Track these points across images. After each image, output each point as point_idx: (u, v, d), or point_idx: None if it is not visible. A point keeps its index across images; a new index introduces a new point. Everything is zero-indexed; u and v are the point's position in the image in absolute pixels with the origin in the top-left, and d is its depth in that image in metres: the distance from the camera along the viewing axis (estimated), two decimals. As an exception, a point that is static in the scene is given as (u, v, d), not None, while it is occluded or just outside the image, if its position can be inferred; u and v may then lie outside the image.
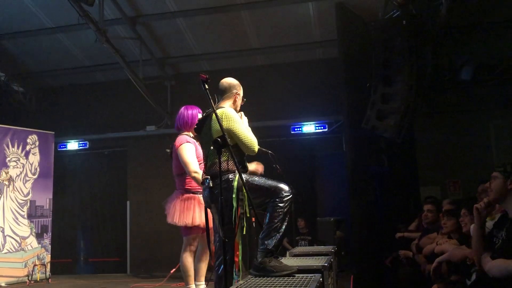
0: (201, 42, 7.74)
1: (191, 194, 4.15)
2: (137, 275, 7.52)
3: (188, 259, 4.08)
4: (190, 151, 4.04)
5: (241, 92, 3.31)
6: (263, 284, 2.58)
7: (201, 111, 4.29)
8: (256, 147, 3.05)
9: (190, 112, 4.27)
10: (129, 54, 7.49)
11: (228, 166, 2.99)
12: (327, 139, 7.83)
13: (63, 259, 8.36)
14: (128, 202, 8.39)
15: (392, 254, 5.19)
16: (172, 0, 6.74)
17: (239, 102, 3.30)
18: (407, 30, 5.53)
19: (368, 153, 6.41)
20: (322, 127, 7.82)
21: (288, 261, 3.63)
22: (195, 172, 3.90)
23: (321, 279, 2.83)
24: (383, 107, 5.70)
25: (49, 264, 7.20)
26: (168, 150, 4.44)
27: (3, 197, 6.77)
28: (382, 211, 6.42)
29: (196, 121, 4.21)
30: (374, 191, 6.44)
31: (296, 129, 7.96)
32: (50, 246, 7.30)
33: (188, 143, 4.08)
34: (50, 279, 7.06)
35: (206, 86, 2.68)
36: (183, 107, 4.35)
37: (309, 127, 7.89)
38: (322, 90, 7.60)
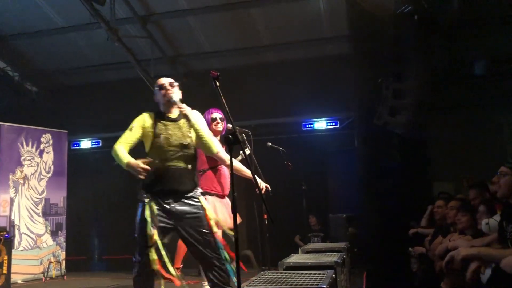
0: (211, 39, 7.76)
1: (204, 195, 4.22)
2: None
3: None
4: (216, 142, 4.21)
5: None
6: (276, 280, 2.59)
7: (215, 111, 4.38)
8: None
9: (204, 116, 4.42)
10: (140, 53, 7.54)
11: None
12: (338, 135, 7.81)
13: (78, 256, 8.46)
14: (141, 200, 8.44)
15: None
16: (183, -2, 6.77)
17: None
18: (419, 25, 5.48)
19: (380, 149, 6.38)
20: (333, 124, 7.80)
21: (301, 257, 3.64)
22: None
23: (334, 275, 2.83)
24: (395, 103, 5.67)
25: (64, 261, 7.29)
26: None
27: (19, 195, 6.87)
28: (395, 207, 6.39)
29: (208, 123, 4.38)
30: (386, 187, 6.41)
31: (307, 126, 7.95)
32: (64, 243, 7.39)
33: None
34: (65, 276, 7.15)
35: (217, 83, 2.69)
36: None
37: (320, 124, 7.87)
38: (333, 86, 7.56)
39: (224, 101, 2.65)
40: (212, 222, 3.15)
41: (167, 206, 3.10)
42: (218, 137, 4.41)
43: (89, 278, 7.19)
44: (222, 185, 4.31)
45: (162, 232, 3.06)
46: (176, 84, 3.38)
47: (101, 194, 8.91)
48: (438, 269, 3.91)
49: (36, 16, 7.06)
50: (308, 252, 4.25)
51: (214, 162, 4.28)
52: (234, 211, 2.63)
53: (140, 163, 2.96)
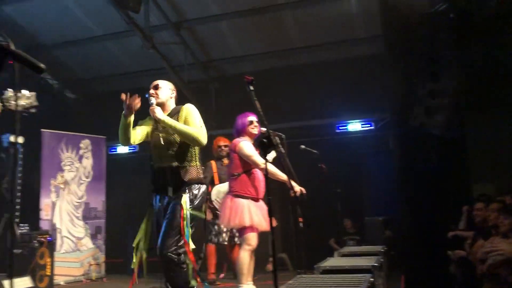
0: (243, 43, 7.81)
1: (240, 198, 4.26)
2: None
3: (244, 257, 4.15)
4: (250, 146, 4.34)
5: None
6: (313, 284, 2.58)
7: (251, 114, 4.43)
8: None
9: (240, 120, 4.53)
10: (174, 59, 7.67)
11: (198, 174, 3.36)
12: (373, 137, 7.69)
13: (116, 259, 8.64)
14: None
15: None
16: (215, 4, 6.84)
17: None
18: (455, 23, 5.36)
19: (416, 151, 6.25)
20: (368, 125, 7.68)
21: (337, 261, 3.62)
22: (263, 164, 4.09)
23: (371, 279, 2.80)
24: (431, 103, 5.56)
25: (103, 264, 7.47)
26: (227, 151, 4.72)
27: (60, 200, 7.09)
28: (433, 210, 6.25)
29: (244, 126, 4.44)
30: (423, 189, 6.28)
31: (341, 128, 7.86)
32: (104, 246, 7.58)
33: (245, 141, 4.37)
34: (104, 278, 7.32)
35: (251, 88, 2.72)
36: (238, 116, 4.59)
37: (354, 125, 7.77)
38: (367, 87, 7.47)
39: (258, 104, 2.67)
40: (185, 223, 3.15)
41: (161, 204, 3.34)
42: (252, 141, 4.45)
43: (128, 280, 7.32)
44: (257, 188, 4.33)
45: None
46: (162, 85, 3.47)
47: (138, 198, 9.06)
48: (479, 273, 3.80)
49: (74, 26, 7.29)
50: (344, 255, 4.23)
51: (248, 166, 4.31)
52: (270, 214, 2.65)
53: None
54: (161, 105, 3.39)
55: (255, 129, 4.43)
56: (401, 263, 6.15)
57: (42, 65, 1.12)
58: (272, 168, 4.18)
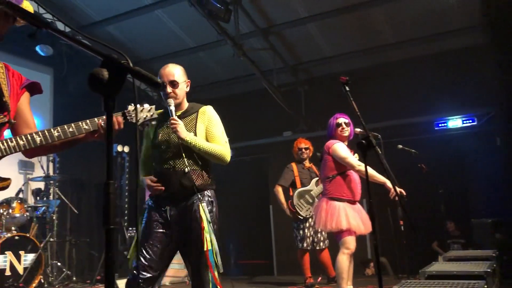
0: (332, 44, 7.72)
1: (335, 201, 4.21)
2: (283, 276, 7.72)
3: (343, 261, 4.10)
4: (344, 148, 4.26)
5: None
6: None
7: (340, 116, 4.37)
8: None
9: (330, 123, 4.46)
10: (263, 64, 7.79)
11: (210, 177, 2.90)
12: (477, 133, 7.19)
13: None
14: (271, 206, 8.66)
15: None
16: (302, 7, 6.84)
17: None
18: None
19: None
20: (470, 121, 7.20)
21: (443, 266, 3.43)
22: (359, 165, 4.06)
23: (485, 286, 2.61)
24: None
25: (204, 266, 7.75)
26: (318, 154, 4.70)
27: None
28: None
29: (333, 129, 4.37)
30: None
31: (440, 125, 7.46)
32: (203, 249, 7.87)
33: (339, 142, 4.29)
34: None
35: (347, 88, 2.67)
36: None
37: (455, 122, 7.33)
38: (468, 80, 7.01)
39: (355, 105, 2.62)
40: (206, 236, 2.66)
41: (164, 214, 2.77)
42: (346, 142, 4.38)
43: (225, 282, 7.54)
44: (353, 190, 4.25)
45: (160, 241, 2.73)
46: (179, 79, 2.85)
47: (234, 201, 9.30)
48: None
49: (169, 39, 7.70)
50: (450, 260, 4.01)
51: (342, 168, 4.25)
52: (372, 218, 2.58)
53: (149, 183, 2.78)
54: (178, 105, 2.90)
55: (344, 132, 4.34)
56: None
57: (159, 80, 1.21)
58: (369, 170, 4.08)
